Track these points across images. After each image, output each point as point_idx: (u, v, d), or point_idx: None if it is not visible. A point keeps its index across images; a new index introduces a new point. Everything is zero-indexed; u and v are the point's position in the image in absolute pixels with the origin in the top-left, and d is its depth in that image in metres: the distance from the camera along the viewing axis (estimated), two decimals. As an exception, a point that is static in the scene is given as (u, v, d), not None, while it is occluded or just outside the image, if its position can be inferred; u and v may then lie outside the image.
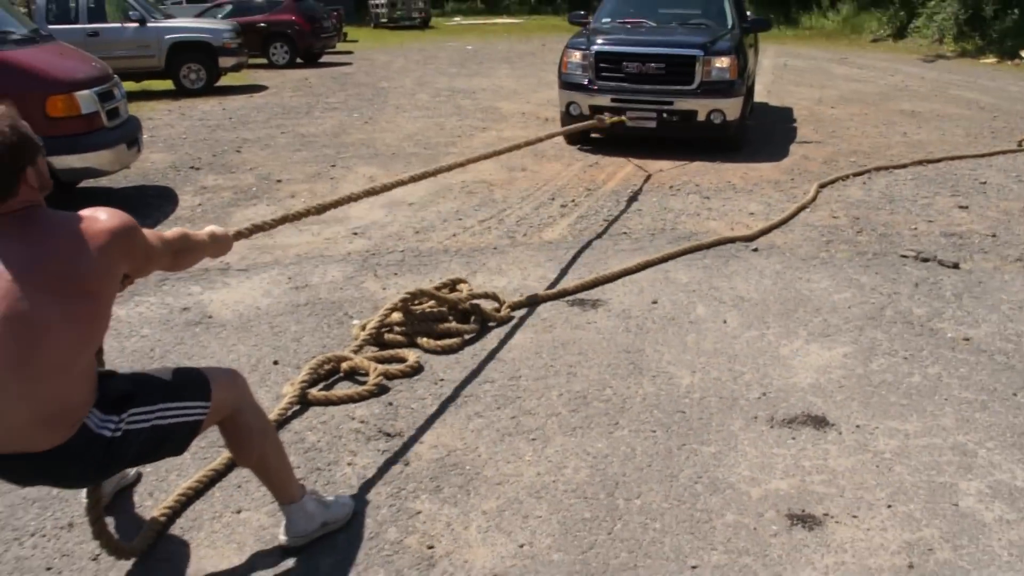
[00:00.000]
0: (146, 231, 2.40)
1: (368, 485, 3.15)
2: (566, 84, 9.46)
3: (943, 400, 3.73)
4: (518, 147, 6.38)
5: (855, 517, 2.91)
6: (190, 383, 2.51)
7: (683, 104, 8.87)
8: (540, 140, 7.53)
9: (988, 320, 4.62)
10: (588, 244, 6.01)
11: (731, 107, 8.88)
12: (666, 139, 9.28)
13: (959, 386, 3.86)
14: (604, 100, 9.07)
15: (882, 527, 2.86)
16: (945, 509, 2.96)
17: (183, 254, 2.65)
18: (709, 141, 9.26)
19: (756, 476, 3.15)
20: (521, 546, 2.78)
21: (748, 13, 11.22)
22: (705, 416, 3.59)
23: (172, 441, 2.47)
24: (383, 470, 3.24)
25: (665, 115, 8.92)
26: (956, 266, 5.45)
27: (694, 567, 2.66)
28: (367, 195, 4.30)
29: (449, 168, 5.35)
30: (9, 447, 2.21)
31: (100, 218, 2.25)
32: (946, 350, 4.24)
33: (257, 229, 3.44)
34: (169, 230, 2.60)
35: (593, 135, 9.62)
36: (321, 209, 3.91)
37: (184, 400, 2.46)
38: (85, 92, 6.63)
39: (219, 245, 2.92)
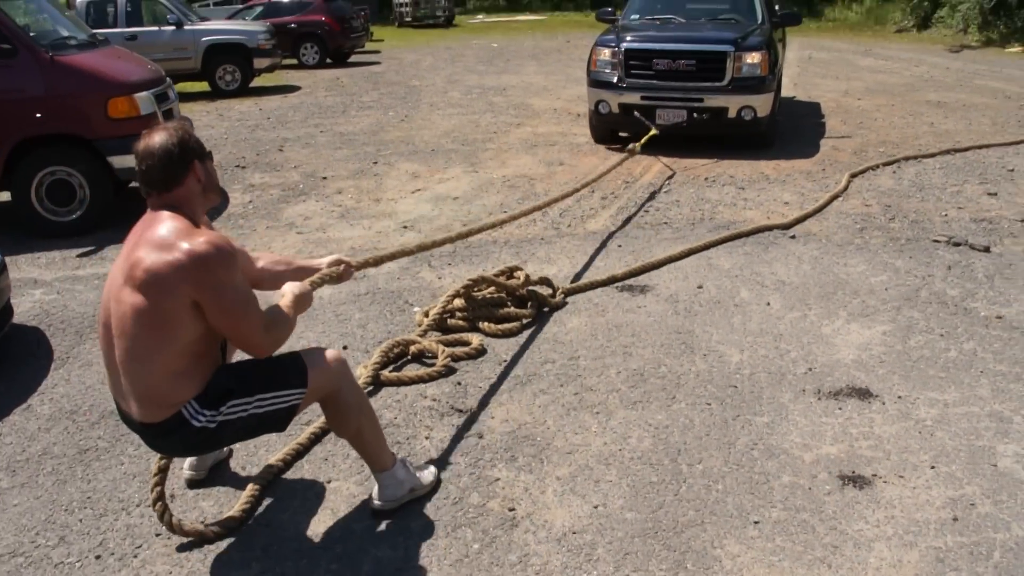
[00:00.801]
0: (256, 292, 2.67)
1: (447, 456, 3.42)
2: (595, 82, 9.36)
3: (979, 373, 3.97)
4: (551, 203, 5.96)
5: (901, 477, 3.16)
6: (288, 370, 2.76)
7: (713, 101, 8.79)
8: (573, 193, 6.48)
9: (1019, 300, 4.84)
10: (631, 234, 6.26)
11: (762, 103, 8.76)
12: (695, 136, 9.27)
13: (993, 360, 4.09)
14: (634, 98, 9.01)
15: (927, 485, 3.11)
16: (985, 469, 3.20)
17: (272, 327, 2.64)
18: (740, 138, 9.23)
19: (807, 442, 3.41)
20: (596, 507, 3.05)
21: (776, 7, 11.13)
22: (756, 390, 3.85)
23: (269, 424, 2.78)
24: (459, 442, 3.52)
25: (695, 112, 8.83)
26: (987, 250, 5.66)
27: (756, 522, 2.93)
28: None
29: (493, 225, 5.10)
30: (125, 407, 2.67)
31: (196, 240, 2.45)
32: (980, 327, 4.47)
33: (365, 265, 3.61)
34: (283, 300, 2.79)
35: (622, 133, 9.67)
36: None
37: (281, 389, 2.73)
38: (144, 94, 6.93)
39: (304, 301, 2.88)
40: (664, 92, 8.91)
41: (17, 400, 4.01)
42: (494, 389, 3.96)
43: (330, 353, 2.89)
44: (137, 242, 2.55)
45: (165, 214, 2.56)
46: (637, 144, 8.04)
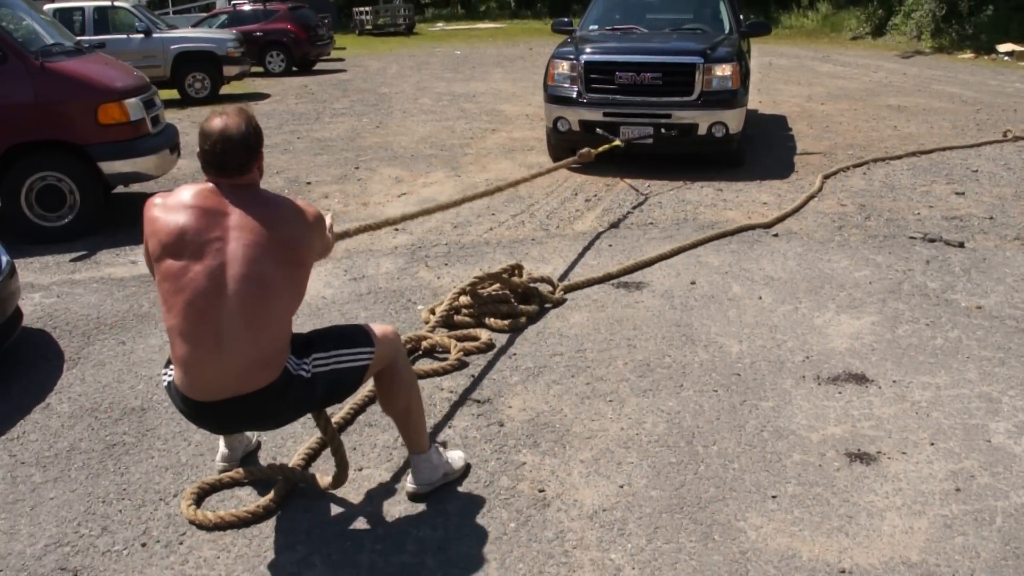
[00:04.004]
0: None
1: (472, 443, 3.57)
2: (553, 98, 8.66)
3: (965, 358, 4.21)
4: (508, 186, 6.15)
5: (904, 453, 3.37)
6: (356, 332, 2.98)
7: (682, 117, 8.13)
8: (525, 180, 6.68)
9: (996, 291, 5.11)
10: (619, 234, 6.45)
11: (734, 119, 8.16)
12: (659, 155, 8.78)
13: (978, 346, 4.34)
14: (595, 114, 8.36)
15: (928, 460, 3.32)
16: (980, 444, 3.43)
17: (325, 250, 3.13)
18: (709, 156, 8.69)
19: (813, 424, 3.61)
20: (621, 486, 3.21)
21: (741, 16, 10.25)
22: (758, 377, 4.04)
23: (345, 384, 2.91)
24: (482, 430, 3.67)
25: (663, 129, 8.19)
26: (962, 245, 5.94)
27: (774, 496, 3.11)
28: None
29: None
30: (223, 392, 2.66)
31: (303, 203, 2.81)
32: (962, 317, 4.72)
33: (357, 231, 4.02)
34: None
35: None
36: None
37: (354, 347, 2.91)
38: (133, 100, 6.97)
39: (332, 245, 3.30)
40: (628, 108, 8.29)
41: (35, 399, 4.08)
42: (507, 380, 4.11)
43: (386, 326, 3.09)
44: (265, 224, 2.62)
45: (256, 189, 2.75)
46: (594, 150, 7.31)
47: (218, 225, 2.61)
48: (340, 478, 3.16)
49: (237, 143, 2.63)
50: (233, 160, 2.65)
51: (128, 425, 3.80)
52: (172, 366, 2.80)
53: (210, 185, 2.69)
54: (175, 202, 2.67)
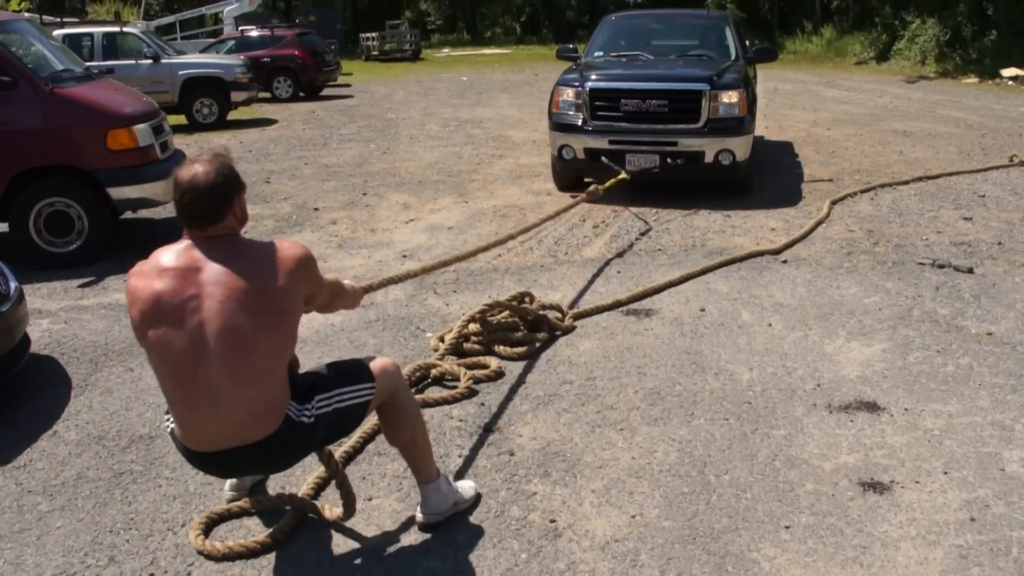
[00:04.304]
0: None
1: (482, 472, 3.54)
2: (558, 125, 8.54)
3: (977, 385, 4.18)
4: (520, 233, 6.01)
5: (917, 482, 3.34)
6: (357, 368, 2.96)
7: (688, 144, 8.03)
8: (536, 226, 6.25)
9: (1006, 317, 5.08)
10: (627, 260, 6.45)
11: (741, 146, 8.03)
12: (664, 183, 8.66)
13: (989, 373, 4.31)
14: (601, 142, 8.25)
15: (942, 490, 3.29)
16: (994, 473, 3.39)
17: (336, 297, 3.08)
18: (716, 184, 8.57)
19: (825, 452, 3.58)
20: (633, 517, 3.18)
21: (747, 42, 10.31)
22: (770, 405, 4.02)
23: (348, 422, 2.91)
24: (492, 460, 3.64)
25: (669, 157, 8.06)
26: (971, 271, 5.92)
27: (787, 527, 3.08)
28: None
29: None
30: (225, 444, 2.65)
31: (287, 247, 2.67)
32: (972, 343, 4.70)
33: (388, 282, 4.08)
34: (327, 274, 2.99)
35: (588, 180, 8.36)
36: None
37: (355, 383, 2.90)
38: (142, 126, 7.00)
39: (355, 296, 3.33)
40: (634, 135, 8.17)
41: (43, 427, 4.07)
42: (517, 409, 4.09)
43: (386, 359, 3.08)
44: (241, 276, 2.53)
45: (233, 239, 2.65)
46: (601, 187, 7.19)
47: (193, 285, 2.53)
48: (348, 510, 3.14)
49: (205, 192, 2.53)
50: (203, 210, 2.55)
51: (136, 453, 3.78)
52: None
53: (185, 243, 2.61)
54: (150, 268, 2.59)
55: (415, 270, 4.59)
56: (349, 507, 3.12)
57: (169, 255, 2.59)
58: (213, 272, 2.55)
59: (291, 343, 2.72)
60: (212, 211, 2.56)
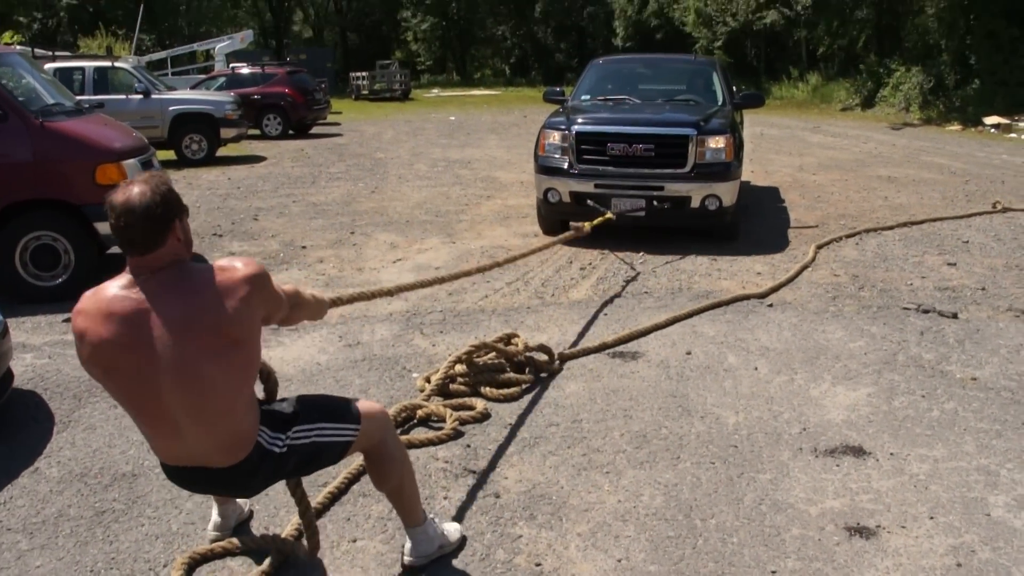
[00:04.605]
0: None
1: (467, 515, 3.52)
2: (544, 168, 8.50)
3: (962, 430, 4.20)
4: (506, 262, 5.95)
5: (904, 527, 3.34)
6: (343, 408, 2.92)
7: (675, 189, 7.98)
8: (523, 256, 6.23)
9: (990, 362, 5.12)
10: (614, 303, 6.47)
11: (728, 192, 8.02)
12: (648, 228, 8.57)
13: (974, 418, 4.33)
14: (586, 186, 8.18)
15: (928, 535, 3.29)
16: (980, 519, 3.40)
17: (297, 308, 2.92)
18: (702, 230, 8.55)
19: (811, 497, 3.58)
20: (619, 560, 3.17)
21: (734, 88, 10.38)
22: (755, 449, 4.02)
23: (324, 457, 2.87)
24: (477, 502, 3.62)
25: (655, 202, 8.00)
26: (955, 316, 5.97)
27: (773, 572, 3.07)
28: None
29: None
30: (192, 463, 2.65)
31: (237, 267, 2.49)
32: (957, 388, 4.72)
33: (354, 299, 3.87)
34: (285, 284, 2.90)
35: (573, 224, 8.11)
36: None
37: (339, 422, 2.86)
38: (131, 161, 7.01)
39: (319, 307, 3.15)
40: (620, 179, 8.11)
41: (24, 463, 4.02)
42: (503, 451, 4.07)
43: (376, 405, 3.04)
44: (187, 312, 2.41)
45: (178, 267, 2.48)
46: (587, 224, 7.15)
47: (143, 334, 2.40)
48: (312, 543, 3.08)
49: (140, 215, 2.35)
50: (142, 235, 2.37)
51: (118, 491, 3.74)
52: None
53: (128, 278, 2.45)
54: (96, 310, 2.43)
55: (387, 288, 4.33)
56: (312, 539, 3.07)
57: (115, 296, 2.43)
58: (162, 315, 2.41)
59: (252, 370, 2.60)
60: (151, 236, 2.38)
